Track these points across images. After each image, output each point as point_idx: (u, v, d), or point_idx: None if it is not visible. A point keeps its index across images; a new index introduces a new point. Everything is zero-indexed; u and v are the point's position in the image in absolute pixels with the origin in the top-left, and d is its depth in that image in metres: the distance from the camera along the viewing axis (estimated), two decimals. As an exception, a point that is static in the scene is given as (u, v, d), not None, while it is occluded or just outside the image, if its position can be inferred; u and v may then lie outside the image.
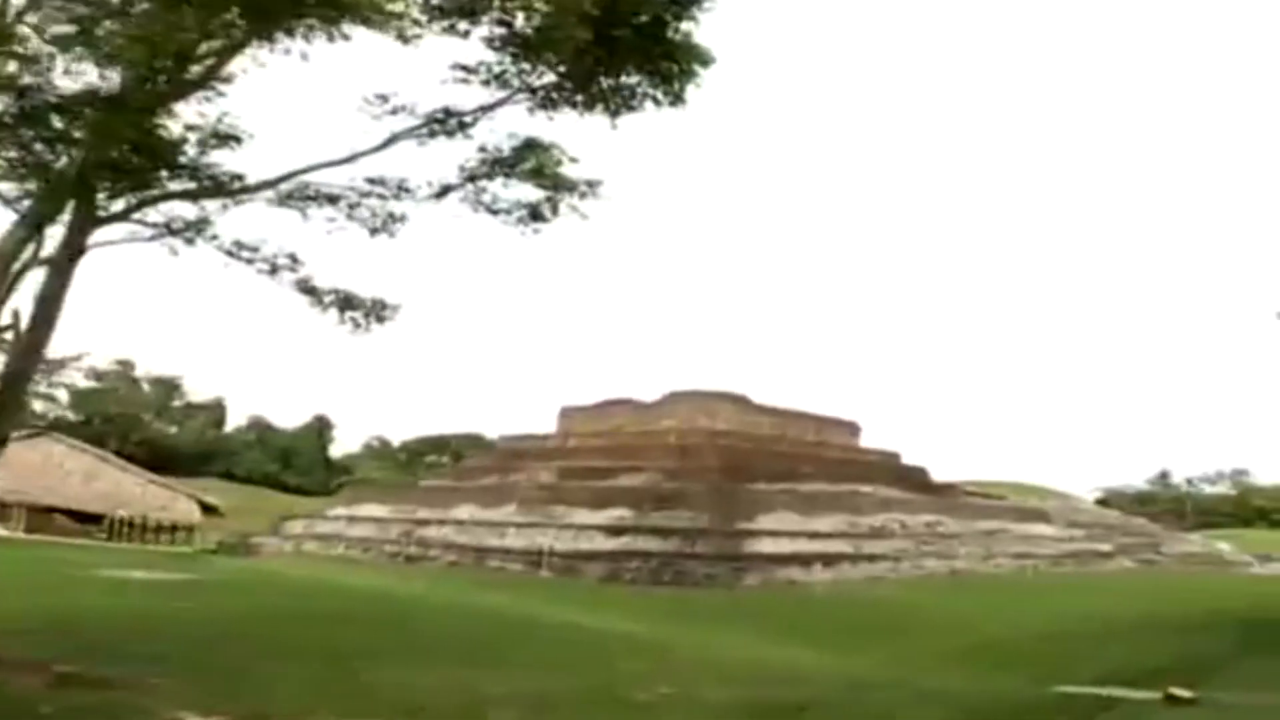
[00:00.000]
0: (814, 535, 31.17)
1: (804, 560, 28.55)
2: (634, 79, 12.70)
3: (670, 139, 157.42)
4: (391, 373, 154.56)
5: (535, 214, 13.52)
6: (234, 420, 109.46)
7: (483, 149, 12.84)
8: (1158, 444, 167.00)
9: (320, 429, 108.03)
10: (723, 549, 28.38)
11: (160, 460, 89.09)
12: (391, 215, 12.92)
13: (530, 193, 13.40)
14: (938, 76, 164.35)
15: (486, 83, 12.87)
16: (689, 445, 37.46)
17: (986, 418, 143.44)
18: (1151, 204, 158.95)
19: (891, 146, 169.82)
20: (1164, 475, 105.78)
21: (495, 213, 13.63)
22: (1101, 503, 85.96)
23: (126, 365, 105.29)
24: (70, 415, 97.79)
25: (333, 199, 13.27)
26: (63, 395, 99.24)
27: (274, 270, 13.78)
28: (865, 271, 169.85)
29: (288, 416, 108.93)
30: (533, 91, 12.96)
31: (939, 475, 48.92)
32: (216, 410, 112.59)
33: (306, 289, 13.81)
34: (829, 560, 29.69)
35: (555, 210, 13.11)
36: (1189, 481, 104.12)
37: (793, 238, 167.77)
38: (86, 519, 45.99)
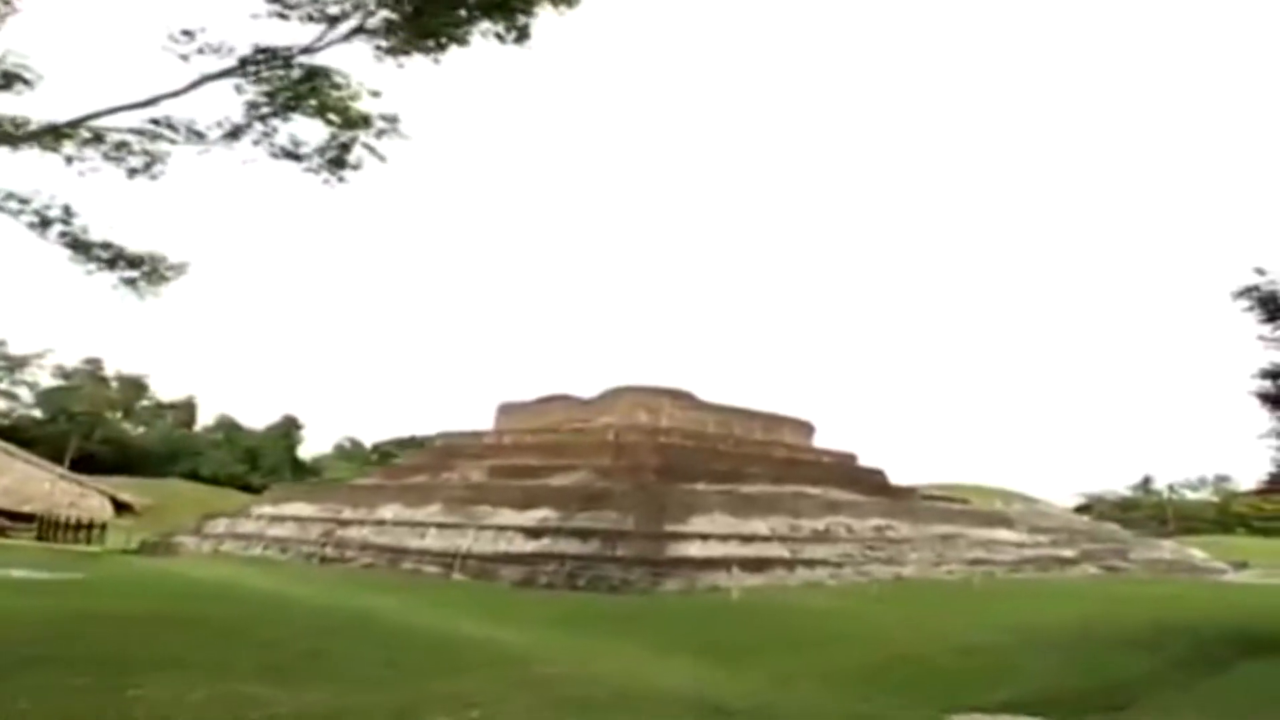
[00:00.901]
0: (748, 539, 29.17)
1: (733, 565, 26.55)
2: (467, 12, 11.16)
3: (617, 131, 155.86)
4: (367, 374, 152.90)
5: (337, 160, 11.80)
6: (204, 420, 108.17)
7: (260, 79, 11.03)
8: (1143, 450, 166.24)
9: (288, 429, 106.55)
10: (644, 552, 26.39)
11: (125, 459, 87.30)
12: (151, 155, 11.11)
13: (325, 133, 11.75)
14: (906, 61, 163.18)
15: (311, 19, 11.21)
16: (625, 443, 35.49)
17: (978, 423, 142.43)
18: (1142, 203, 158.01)
19: (859, 135, 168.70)
20: (1146, 481, 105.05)
21: (297, 158, 11.88)
22: (1084, 508, 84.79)
23: (94, 363, 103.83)
24: (37, 413, 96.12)
25: (96, 139, 11.45)
26: (25, 393, 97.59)
27: (44, 224, 12.03)
28: (867, 272, 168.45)
29: (258, 417, 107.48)
30: (361, 30, 11.34)
31: (920, 480, 47.28)
32: (187, 410, 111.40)
33: (74, 244, 12.04)
34: (761, 565, 27.70)
35: (349, 150, 11.40)
36: (1171, 487, 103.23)
37: (789, 235, 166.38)
38: (18, 518, 44.72)
